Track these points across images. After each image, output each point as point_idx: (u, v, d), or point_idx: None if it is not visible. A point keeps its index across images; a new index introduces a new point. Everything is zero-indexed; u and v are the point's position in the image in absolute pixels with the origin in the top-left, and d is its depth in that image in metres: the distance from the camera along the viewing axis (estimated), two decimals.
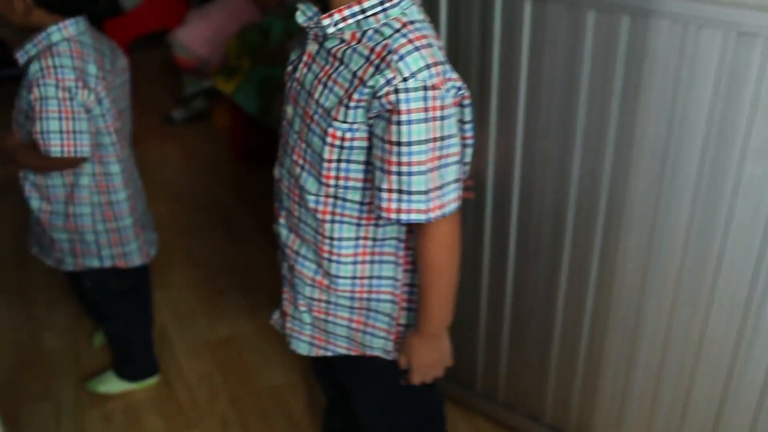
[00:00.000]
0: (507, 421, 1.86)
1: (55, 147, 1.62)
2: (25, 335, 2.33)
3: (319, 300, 1.26)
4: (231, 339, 2.28)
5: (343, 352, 1.31)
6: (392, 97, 1.02)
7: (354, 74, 1.07)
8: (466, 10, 1.49)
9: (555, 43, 1.38)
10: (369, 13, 1.06)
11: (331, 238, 1.19)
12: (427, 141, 1.04)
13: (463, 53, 1.52)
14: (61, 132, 1.61)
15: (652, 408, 1.60)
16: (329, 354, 1.33)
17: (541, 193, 1.53)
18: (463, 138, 1.15)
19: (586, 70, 1.36)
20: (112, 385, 2.08)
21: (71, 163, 1.68)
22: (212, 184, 3.20)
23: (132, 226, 1.85)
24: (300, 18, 1.12)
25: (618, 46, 1.31)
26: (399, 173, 1.05)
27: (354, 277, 1.22)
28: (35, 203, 1.79)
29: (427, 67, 1.03)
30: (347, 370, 1.38)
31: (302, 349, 1.34)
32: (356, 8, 1.06)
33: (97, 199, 1.77)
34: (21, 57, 1.65)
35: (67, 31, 1.64)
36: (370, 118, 1.06)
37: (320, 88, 1.11)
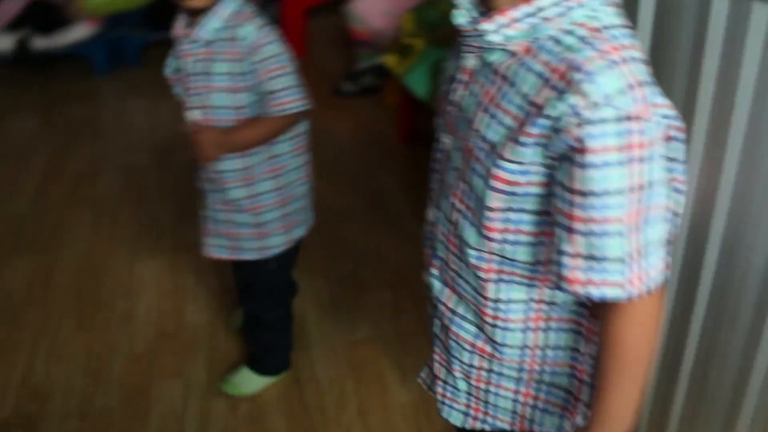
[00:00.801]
0: None
1: (298, 102, 1.59)
2: (170, 305, 2.31)
3: (480, 368, 1.04)
4: (370, 341, 2.13)
5: (506, 426, 1.09)
6: (578, 131, 0.76)
7: (526, 99, 0.81)
8: (675, 10, 1.20)
9: None
10: (545, 14, 0.81)
11: (497, 301, 0.96)
12: (625, 190, 0.77)
13: (669, 65, 1.23)
14: (298, 86, 1.59)
15: None
16: (487, 428, 1.11)
17: (751, 247, 1.22)
18: (673, 181, 0.86)
19: None
20: (249, 384, 1.98)
21: (299, 120, 1.64)
22: (374, 165, 3.06)
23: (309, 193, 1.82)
24: (459, 18, 0.87)
25: None
26: (589, 233, 0.79)
27: (524, 347, 0.99)
28: (239, 192, 1.68)
29: (629, 88, 0.76)
30: None
31: (455, 419, 1.12)
32: (527, 8, 0.81)
33: (297, 162, 1.72)
34: (204, 34, 1.54)
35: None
36: (550, 158, 0.81)
37: (482, 115, 0.87)
